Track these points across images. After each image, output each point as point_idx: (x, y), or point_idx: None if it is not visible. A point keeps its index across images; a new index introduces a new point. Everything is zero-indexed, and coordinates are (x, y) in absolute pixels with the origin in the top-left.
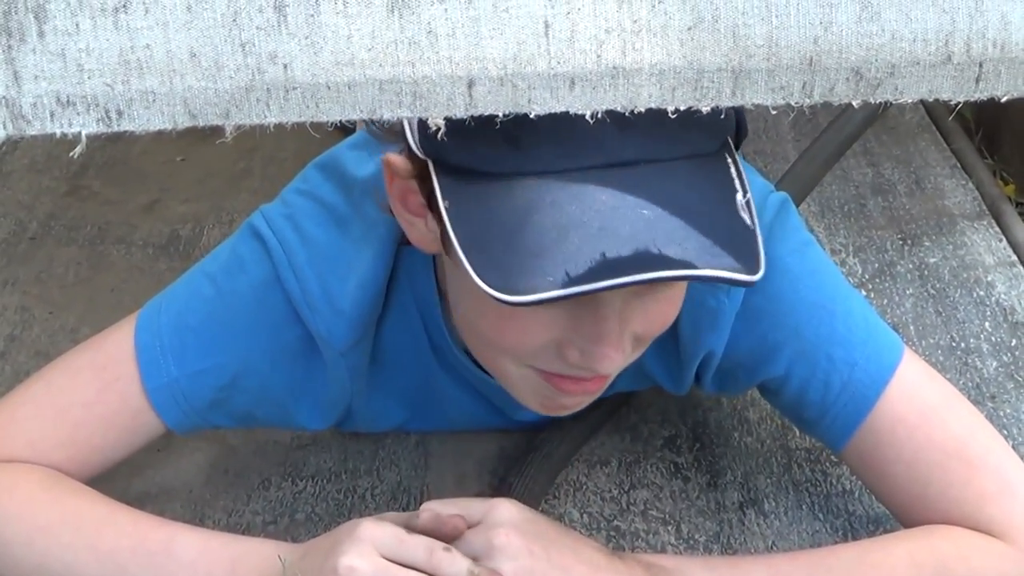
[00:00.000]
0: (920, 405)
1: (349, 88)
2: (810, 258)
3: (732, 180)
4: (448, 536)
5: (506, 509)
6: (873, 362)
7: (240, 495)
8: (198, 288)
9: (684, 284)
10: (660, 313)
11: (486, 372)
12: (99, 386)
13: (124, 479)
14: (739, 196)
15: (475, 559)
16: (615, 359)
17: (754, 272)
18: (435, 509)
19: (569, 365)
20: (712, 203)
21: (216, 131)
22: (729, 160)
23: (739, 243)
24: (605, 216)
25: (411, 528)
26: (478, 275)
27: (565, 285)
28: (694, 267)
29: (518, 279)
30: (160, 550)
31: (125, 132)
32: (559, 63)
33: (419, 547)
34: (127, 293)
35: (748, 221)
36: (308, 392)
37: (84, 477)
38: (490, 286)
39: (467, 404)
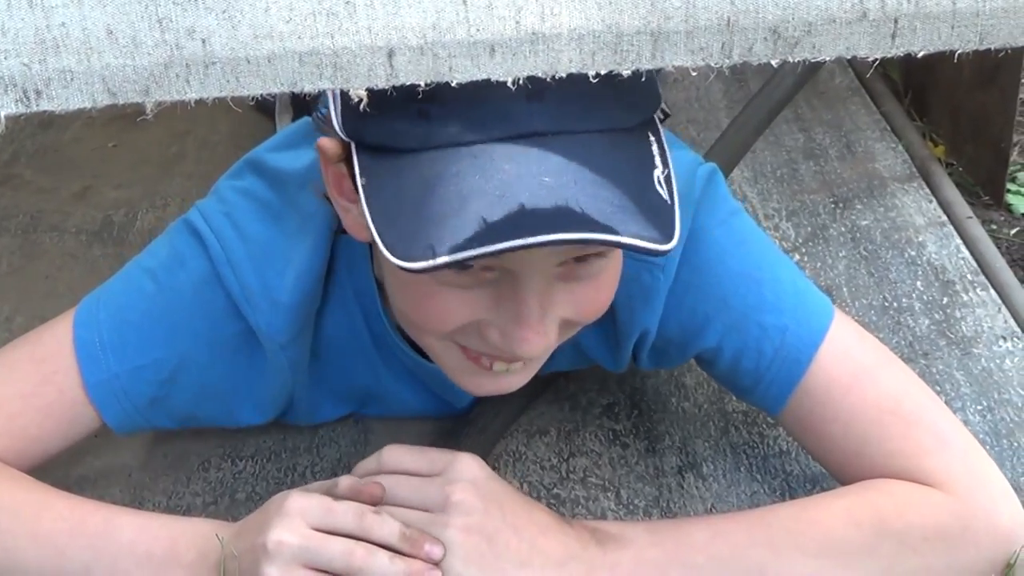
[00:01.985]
0: (853, 366)
1: (269, 61)
2: (737, 228)
3: (652, 155)
4: (368, 503)
5: (467, 465)
6: (804, 326)
7: (180, 477)
8: (137, 283)
9: (614, 268)
10: (589, 298)
11: (427, 359)
12: (37, 379)
13: (63, 465)
14: (657, 171)
15: (428, 511)
16: (534, 342)
17: (666, 242)
18: (369, 468)
19: (491, 346)
20: (626, 175)
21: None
22: (651, 137)
23: (652, 213)
24: (507, 185)
25: (333, 496)
26: (385, 246)
27: (455, 251)
28: (586, 230)
29: (418, 247)
30: (99, 532)
31: (47, 113)
32: (478, 30)
33: (348, 513)
34: (61, 281)
35: (665, 195)
36: (249, 387)
37: (22, 467)
38: (394, 255)
39: (409, 395)
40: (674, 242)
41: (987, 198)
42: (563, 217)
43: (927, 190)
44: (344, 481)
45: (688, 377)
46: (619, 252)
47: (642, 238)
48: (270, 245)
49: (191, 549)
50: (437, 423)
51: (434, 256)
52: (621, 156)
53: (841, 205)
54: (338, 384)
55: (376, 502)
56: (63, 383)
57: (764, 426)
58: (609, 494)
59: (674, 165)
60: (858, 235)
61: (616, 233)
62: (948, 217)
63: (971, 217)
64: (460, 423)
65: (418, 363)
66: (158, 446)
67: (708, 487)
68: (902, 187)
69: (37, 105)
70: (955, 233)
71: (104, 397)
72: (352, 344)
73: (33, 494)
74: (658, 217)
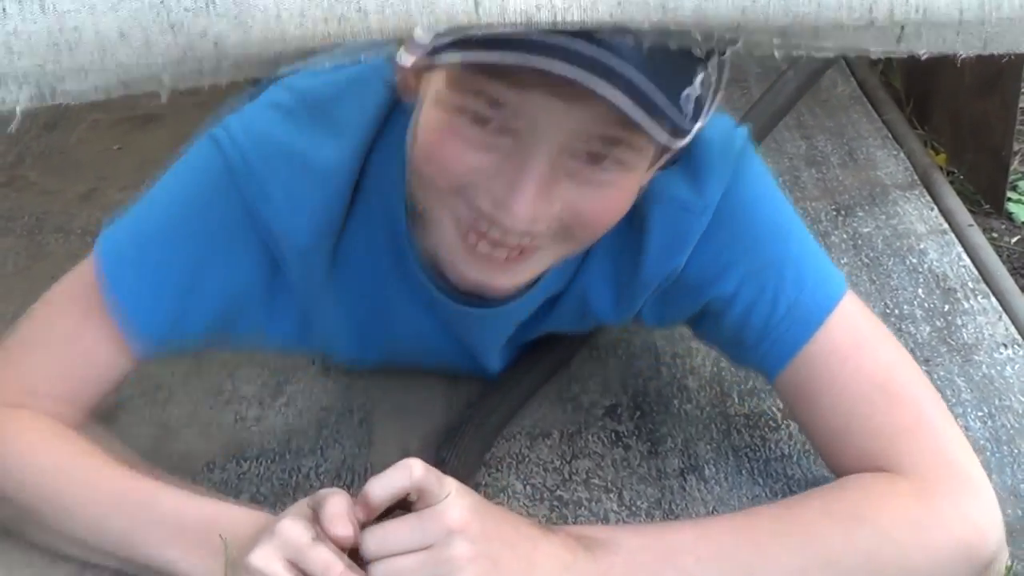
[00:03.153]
0: (856, 336)
1: (279, 58)
2: (771, 185)
3: (693, 75)
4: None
5: (457, 491)
6: (820, 288)
7: (185, 478)
8: (154, 198)
9: (625, 189)
10: (592, 208)
11: (445, 294)
12: (76, 315)
13: None
14: (690, 89)
15: (428, 546)
16: (521, 215)
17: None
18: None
19: (481, 214)
20: (661, 75)
21: (153, 119)
22: (705, 65)
23: (663, 111)
24: (561, 38)
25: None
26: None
27: (474, 48)
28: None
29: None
30: (142, 503)
31: (56, 110)
32: (490, 31)
33: (318, 561)
34: None
35: (686, 110)
36: (269, 294)
37: (78, 414)
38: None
39: (421, 327)
40: (676, 142)
41: (988, 206)
42: (590, 66)
43: (928, 198)
44: (329, 509)
45: (691, 380)
46: (633, 182)
47: (648, 123)
48: (293, 147)
49: (225, 534)
50: (445, 424)
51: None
52: (662, 55)
53: (843, 212)
54: (355, 309)
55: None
56: (98, 316)
57: (766, 429)
58: (611, 496)
59: (716, 122)
60: (860, 242)
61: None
62: (949, 225)
63: (972, 225)
64: (460, 420)
65: (436, 298)
66: (163, 446)
67: (710, 490)
68: (904, 195)
69: (53, 99)
70: (956, 241)
71: (134, 313)
72: (372, 264)
73: (90, 458)
74: (668, 121)
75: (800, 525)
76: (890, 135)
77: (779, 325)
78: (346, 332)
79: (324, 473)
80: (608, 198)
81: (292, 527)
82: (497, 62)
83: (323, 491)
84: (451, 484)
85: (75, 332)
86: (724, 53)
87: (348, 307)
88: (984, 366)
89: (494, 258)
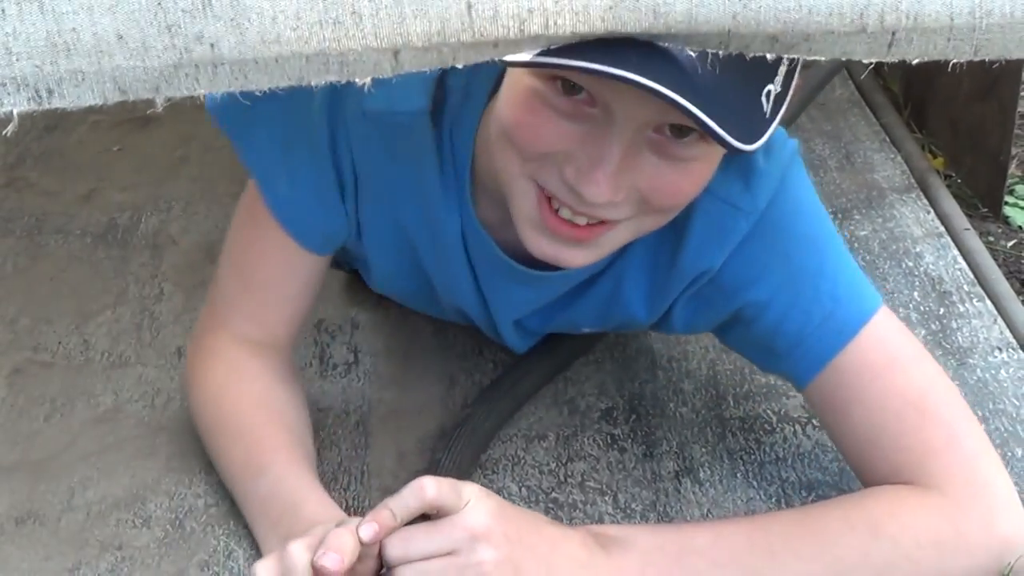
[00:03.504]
0: (890, 352)
1: (276, 62)
2: (815, 199)
3: (776, 71)
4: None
5: (472, 492)
6: (855, 302)
7: (182, 479)
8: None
9: (706, 165)
10: (671, 182)
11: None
12: (252, 230)
13: (68, 465)
14: (771, 86)
15: (456, 553)
16: (602, 188)
17: (748, 143)
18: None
19: (563, 183)
20: (741, 72)
21: (152, 120)
22: (785, 57)
23: (743, 116)
24: (633, 51)
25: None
26: None
27: (554, 55)
28: (679, 92)
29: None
30: (255, 475)
31: (55, 113)
32: (482, 36)
33: None
34: (65, 283)
35: (767, 109)
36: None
37: (291, 334)
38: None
39: (455, 267)
40: (750, 147)
41: (985, 210)
42: (665, 73)
43: (925, 201)
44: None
45: (686, 383)
46: (716, 157)
47: (724, 127)
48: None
49: (300, 523)
50: (439, 426)
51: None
52: (739, 61)
53: (840, 215)
54: (397, 211)
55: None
56: (266, 220)
57: (761, 432)
58: (606, 498)
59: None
60: (856, 245)
61: (705, 111)
62: (946, 228)
63: (968, 229)
64: (455, 423)
65: (481, 240)
66: (161, 448)
67: (705, 492)
68: (900, 198)
69: (49, 103)
70: (952, 244)
71: (269, 193)
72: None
73: (244, 419)
74: (749, 121)
75: (816, 534)
76: (888, 139)
77: (812, 335)
78: (387, 239)
79: (321, 475)
80: (690, 172)
81: (295, 552)
82: (564, 64)
83: (339, 529)
84: (471, 491)
85: (252, 244)
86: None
87: (391, 210)
88: (979, 370)
89: (574, 226)
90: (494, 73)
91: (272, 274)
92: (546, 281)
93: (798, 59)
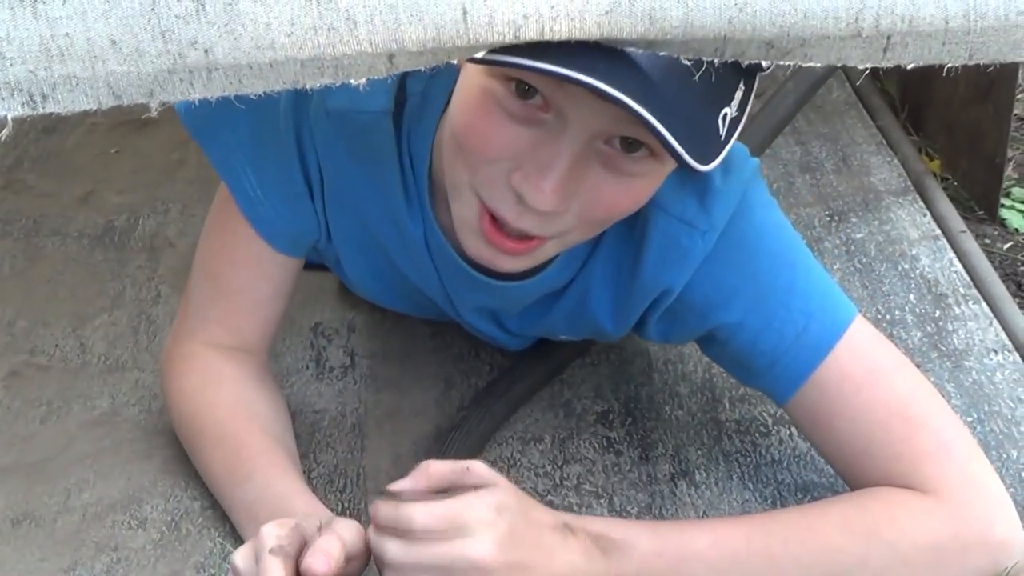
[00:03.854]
0: (868, 364)
1: (271, 67)
2: (778, 215)
3: (732, 95)
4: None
5: (479, 515)
6: (828, 316)
7: (178, 481)
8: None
9: (651, 182)
10: (613, 196)
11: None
12: (223, 234)
13: (64, 467)
14: (728, 110)
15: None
16: (547, 198)
17: (703, 163)
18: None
19: (510, 192)
20: (697, 95)
21: (150, 123)
22: (742, 83)
23: (701, 135)
24: (597, 57)
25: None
26: None
27: (517, 56)
28: (641, 103)
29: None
30: (240, 482)
31: (51, 117)
32: (478, 41)
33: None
34: (63, 285)
35: (722, 131)
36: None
37: (265, 338)
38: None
39: (422, 266)
40: (704, 167)
41: (981, 212)
42: (628, 82)
43: (921, 204)
44: (319, 541)
45: (682, 386)
46: (660, 176)
47: (682, 143)
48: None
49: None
50: (435, 427)
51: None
52: (703, 80)
53: (836, 218)
54: (360, 209)
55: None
56: (237, 224)
57: (757, 435)
58: (602, 501)
59: (731, 149)
60: (852, 248)
61: (665, 126)
62: (942, 231)
63: (964, 231)
64: (451, 426)
65: (441, 245)
66: (157, 451)
67: (700, 495)
68: (897, 200)
69: (43, 108)
70: (948, 247)
71: (239, 195)
72: (376, 194)
73: (228, 425)
74: (705, 141)
75: (815, 538)
76: (884, 141)
77: (788, 352)
78: (351, 233)
79: (317, 478)
80: (631, 188)
81: (269, 532)
82: (525, 64)
83: (337, 520)
84: (478, 515)
85: (222, 248)
86: (765, 70)
87: (354, 209)
88: (974, 372)
89: (512, 239)
90: (452, 78)
91: (244, 279)
92: (503, 291)
93: (754, 84)
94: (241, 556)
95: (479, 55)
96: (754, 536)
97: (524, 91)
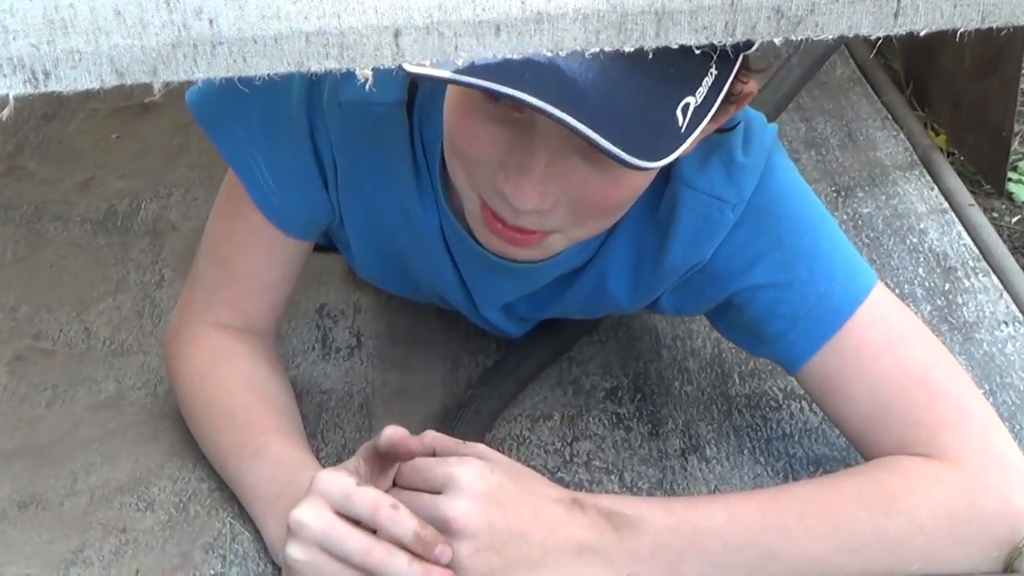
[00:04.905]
0: (889, 330)
1: (276, 41)
2: (799, 180)
3: (697, 82)
4: (404, 458)
5: (466, 477)
6: (850, 280)
7: (185, 463)
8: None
9: (640, 174)
10: (602, 189)
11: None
12: (232, 220)
13: (70, 450)
14: (690, 99)
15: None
16: (529, 196)
17: (646, 160)
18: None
19: (496, 192)
20: (642, 93)
21: (151, 108)
22: (713, 69)
23: (649, 133)
24: (528, 67)
25: (376, 450)
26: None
27: (463, 73)
28: (584, 123)
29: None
30: (250, 456)
31: (53, 97)
32: (484, 11)
33: (364, 504)
34: (66, 270)
35: (681, 123)
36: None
37: (273, 320)
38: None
39: (433, 252)
40: (652, 165)
41: (988, 187)
42: (555, 90)
43: (928, 178)
44: (385, 433)
45: (691, 361)
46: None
47: (623, 146)
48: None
49: (296, 497)
50: (443, 407)
51: (441, 69)
52: (656, 72)
53: (843, 193)
54: (367, 201)
55: (411, 458)
56: (245, 204)
57: (767, 410)
58: (613, 477)
59: (748, 117)
60: (860, 223)
61: (597, 129)
62: (950, 204)
63: (972, 204)
64: (458, 405)
65: (456, 231)
66: (163, 434)
67: (711, 469)
68: (903, 175)
69: (45, 86)
70: (956, 220)
71: (247, 179)
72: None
73: (235, 399)
74: (656, 137)
75: (831, 510)
76: (889, 116)
77: (808, 315)
78: (362, 221)
79: (325, 457)
80: (619, 180)
81: (332, 477)
82: (451, 79)
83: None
84: (460, 471)
85: (231, 229)
86: (737, 55)
87: (367, 197)
88: (985, 344)
89: (514, 229)
90: None
91: (254, 264)
92: (523, 272)
93: (733, 67)
94: (307, 511)
95: (412, 69)
96: (769, 511)
97: (492, 94)
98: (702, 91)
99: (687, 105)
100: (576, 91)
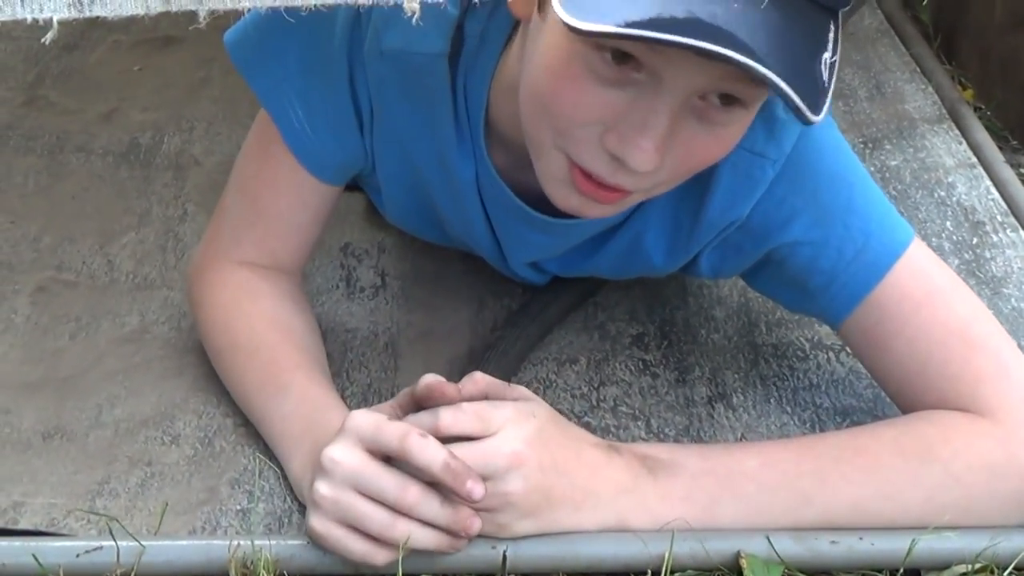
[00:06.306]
0: (927, 284)
1: None
2: (836, 135)
3: (827, 39)
4: (440, 404)
5: (515, 418)
6: (888, 234)
7: (210, 399)
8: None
9: (741, 128)
10: (706, 147)
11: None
12: (264, 161)
13: (94, 383)
14: (826, 55)
15: (488, 479)
16: (649, 155)
17: (815, 113)
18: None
19: (603, 152)
20: (799, 42)
21: (173, 41)
22: (831, 24)
23: (809, 84)
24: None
25: (413, 396)
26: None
27: (630, 27)
28: (770, 71)
29: (592, 13)
30: (274, 394)
31: (80, 30)
32: None
33: (393, 435)
34: (88, 201)
35: (824, 77)
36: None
37: (300, 260)
38: (567, 11)
39: (463, 195)
40: (818, 118)
41: (1016, 142)
42: (737, 42)
43: (957, 132)
44: (424, 380)
45: (718, 310)
46: (748, 121)
47: (800, 96)
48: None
49: (323, 435)
50: (469, 348)
51: (604, 23)
52: (799, 26)
53: (871, 145)
54: (403, 149)
55: (447, 403)
56: (277, 145)
57: (794, 359)
58: (639, 423)
59: None
60: (887, 175)
61: (783, 78)
62: (978, 158)
63: (1002, 160)
64: (484, 346)
65: (492, 180)
66: (188, 368)
67: (738, 417)
68: (931, 128)
69: (90, 11)
70: (985, 174)
71: (282, 121)
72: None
73: (260, 337)
74: (814, 90)
75: (866, 458)
76: (918, 69)
77: (846, 270)
78: (394, 167)
79: (350, 396)
80: (722, 137)
81: (364, 417)
82: (635, 36)
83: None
84: (506, 413)
85: (260, 166)
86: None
87: (400, 143)
88: (1013, 299)
89: (604, 188)
90: (509, 20)
91: (283, 204)
92: (562, 228)
93: (840, 25)
94: (339, 450)
95: (580, 26)
96: (804, 456)
97: (620, 56)
98: (831, 45)
99: (824, 60)
100: (744, 47)
